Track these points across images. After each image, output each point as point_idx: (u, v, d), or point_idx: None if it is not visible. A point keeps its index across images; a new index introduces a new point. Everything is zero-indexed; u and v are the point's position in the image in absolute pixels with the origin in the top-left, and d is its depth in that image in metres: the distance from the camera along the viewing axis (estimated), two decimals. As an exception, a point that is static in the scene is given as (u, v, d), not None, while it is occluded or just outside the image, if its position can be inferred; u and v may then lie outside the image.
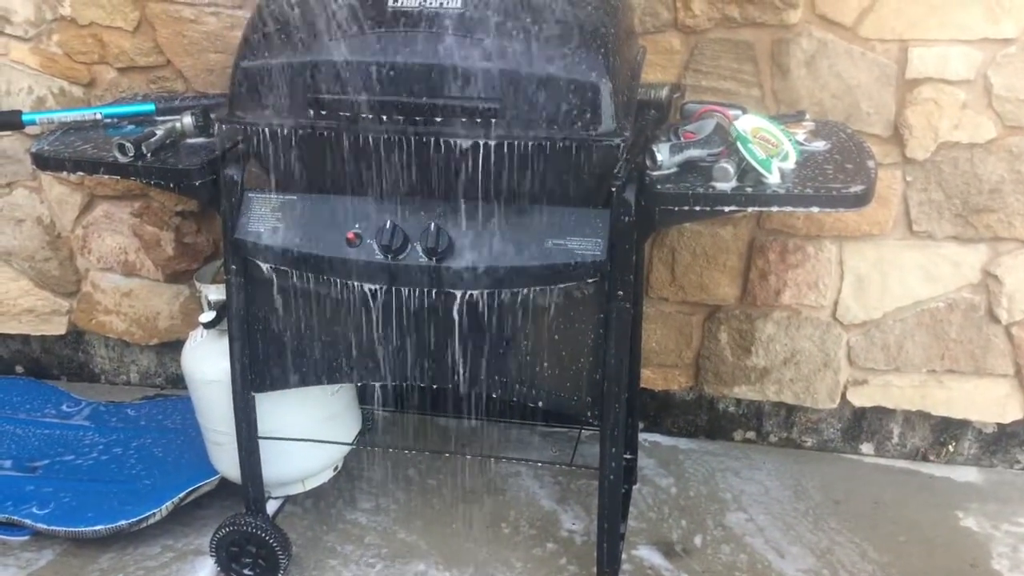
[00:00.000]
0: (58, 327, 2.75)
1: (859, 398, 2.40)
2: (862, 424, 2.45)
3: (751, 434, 2.52)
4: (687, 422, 2.54)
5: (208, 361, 2.02)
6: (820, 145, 1.82)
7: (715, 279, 2.34)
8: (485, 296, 1.75)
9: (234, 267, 1.86)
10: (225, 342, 1.94)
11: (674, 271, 2.35)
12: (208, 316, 2.00)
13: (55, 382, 2.78)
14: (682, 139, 1.78)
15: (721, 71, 2.15)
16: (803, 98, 2.14)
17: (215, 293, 2.02)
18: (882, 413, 2.43)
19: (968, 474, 2.41)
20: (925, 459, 2.45)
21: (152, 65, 2.39)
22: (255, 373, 1.92)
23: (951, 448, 2.43)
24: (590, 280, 1.73)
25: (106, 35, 2.38)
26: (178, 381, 2.77)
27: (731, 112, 1.88)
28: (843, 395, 2.41)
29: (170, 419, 2.51)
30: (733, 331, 2.39)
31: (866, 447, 2.48)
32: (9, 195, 2.61)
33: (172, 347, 2.73)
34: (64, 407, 2.58)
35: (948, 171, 2.16)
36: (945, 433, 2.42)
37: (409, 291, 1.77)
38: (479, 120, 1.66)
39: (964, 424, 2.40)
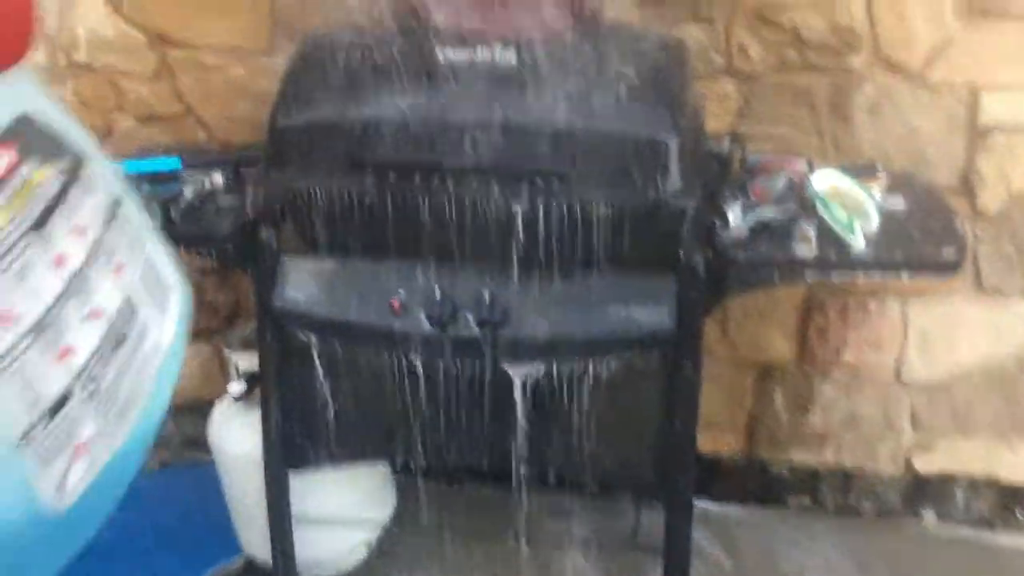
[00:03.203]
0: (69, 387, 2.61)
1: (923, 462, 2.26)
2: (925, 489, 2.31)
3: (806, 500, 2.38)
4: (738, 487, 2.39)
5: (238, 435, 1.89)
6: (898, 202, 1.69)
7: (770, 336, 2.21)
8: (541, 369, 1.62)
9: (268, 336, 1.72)
10: (256, 414, 1.80)
11: (726, 327, 2.22)
12: (238, 386, 1.87)
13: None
14: (752, 198, 1.66)
15: (778, 118, 2.02)
16: (865, 146, 2.01)
17: (245, 361, 1.89)
18: (946, 478, 2.29)
19: (1038, 543, 2.27)
20: (991, 527, 2.31)
21: (172, 114, 2.26)
22: (289, 450, 1.78)
23: (1020, 516, 2.29)
24: (655, 351, 1.60)
25: (124, 81, 2.25)
26: (195, 444, 2.62)
27: (797, 164, 1.76)
28: (906, 460, 2.27)
29: (187, 490, 2.36)
30: (789, 391, 2.25)
31: (928, 513, 2.33)
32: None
33: (190, 409, 2.57)
34: (76, 474, 2.44)
35: (1021, 224, 2.03)
36: (1013, 500, 2.28)
37: (459, 364, 1.64)
38: (536, 181, 1.53)
39: (1034, 490, 2.26)
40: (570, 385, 1.62)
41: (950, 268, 1.51)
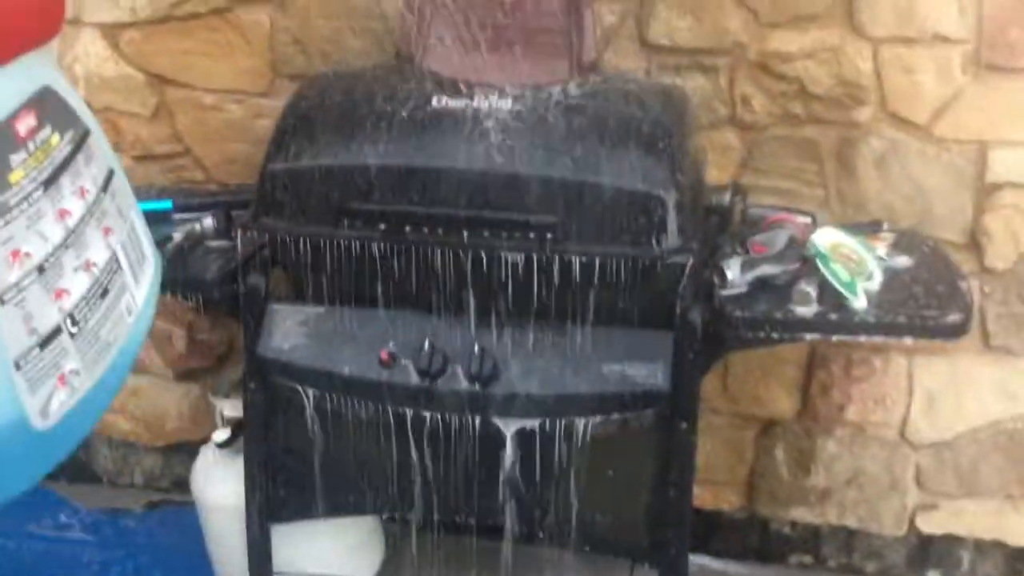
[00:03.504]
0: (59, 425, 2.57)
1: (928, 524, 2.20)
2: (929, 551, 2.24)
3: (807, 558, 2.31)
4: (737, 543, 2.33)
5: (222, 484, 1.84)
6: (903, 261, 1.65)
7: (772, 391, 2.15)
8: (532, 426, 1.57)
9: (253, 384, 1.68)
10: (241, 463, 1.76)
11: (726, 381, 2.17)
12: (222, 434, 1.82)
13: (54, 483, 2.59)
14: (752, 253, 1.61)
15: (782, 170, 1.99)
16: (871, 200, 1.97)
17: (231, 409, 1.85)
18: (952, 540, 2.22)
19: (1046, 609, 2.20)
20: (998, 590, 2.24)
21: (170, 153, 2.24)
22: (272, 502, 1.73)
23: (1028, 580, 2.22)
24: (650, 410, 1.55)
25: (122, 121, 2.23)
26: (184, 484, 2.57)
27: (799, 219, 1.72)
28: (911, 520, 2.21)
29: (174, 533, 2.32)
30: (791, 448, 2.19)
31: (932, 574, 2.27)
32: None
33: (179, 449, 2.54)
34: (62, 517, 2.40)
35: (1030, 282, 1.98)
36: (1021, 563, 2.21)
37: (448, 418, 1.59)
38: (529, 233, 1.50)
39: (1042, 554, 2.19)
40: (562, 442, 1.57)
41: (955, 333, 1.47)
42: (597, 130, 1.52)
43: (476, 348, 1.55)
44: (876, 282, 1.54)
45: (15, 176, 0.50)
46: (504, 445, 1.58)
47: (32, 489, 2.43)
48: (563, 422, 1.55)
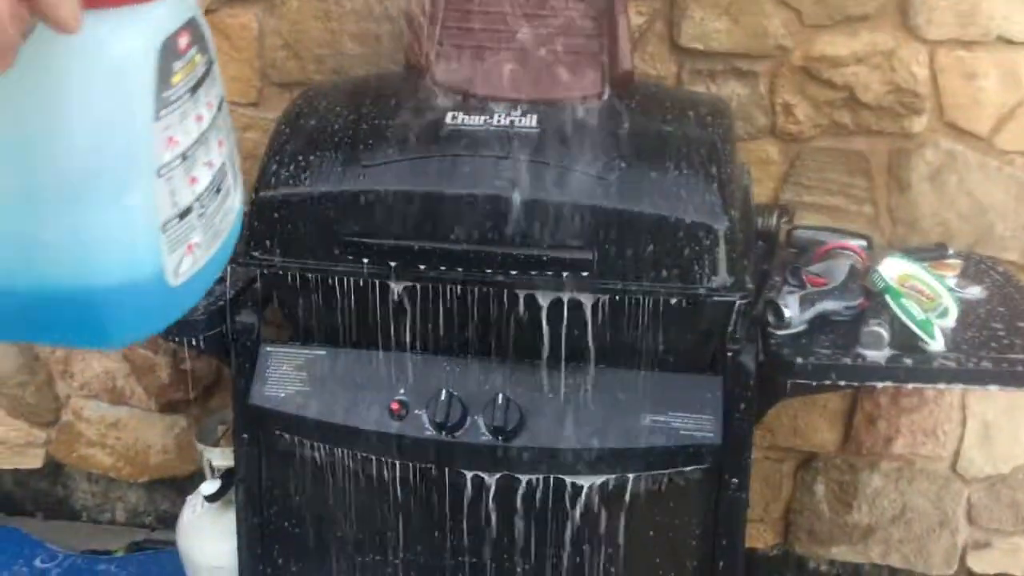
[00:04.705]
0: (33, 460, 2.37)
1: (980, 563, 2.03)
2: (979, 588, 2.08)
3: (846, 597, 2.15)
4: (771, 582, 2.17)
5: (211, 543, 1.66)
6: (975, 292, 1.47)
7: (812, 422, 1.98)
8: (562, 485, 1.39)
9: (246, 436, 1.50)
10: (231, 517, 1.57)
11: (761, 411, 1.99)
12: (211, 486, 1.64)
13: (30, 522, 2.40)
14: (808, 286, 1.43)
15: (827, 185, 1.80)
16: (925, 218, 1.79)
17: (220, 458, 1.66)
18: (1005, 579, 2.06)
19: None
20: (1053, 632, 2.08)
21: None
22: (269, 563, 1.55)
23: (1087, 622, 2.06)
24: (697, 466, 1.37)
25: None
26: (169, 521, 2.38)
27: (853, 243, 1.54)
28: (961, 558, 2.04)
29: (161, 578, 2.13)
30: (832, 482, 2.02)
31: (982, 614, 2.10)
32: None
33: (164, 484, 2.36)
34: (38, 562, 2.20)
35: (1097, 305, 1.81)
36: (1080, 604, 2.05)
37: (467, 476, 1.41)
38: (559, 269, 1.31)
39: (1102, 594, 2.03)
40: (597, 503, 1.39)
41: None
42: (635, 151, 1.33)
43: (499, 398, 1.37)
44: (951, 319, 1.36)
45: (176, 78, 0.63)
46: (529, 506, 1.40)
47: (4, 532, 2.23)
48: (598, 481, 1.37)
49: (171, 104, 0.64)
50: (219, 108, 0.73)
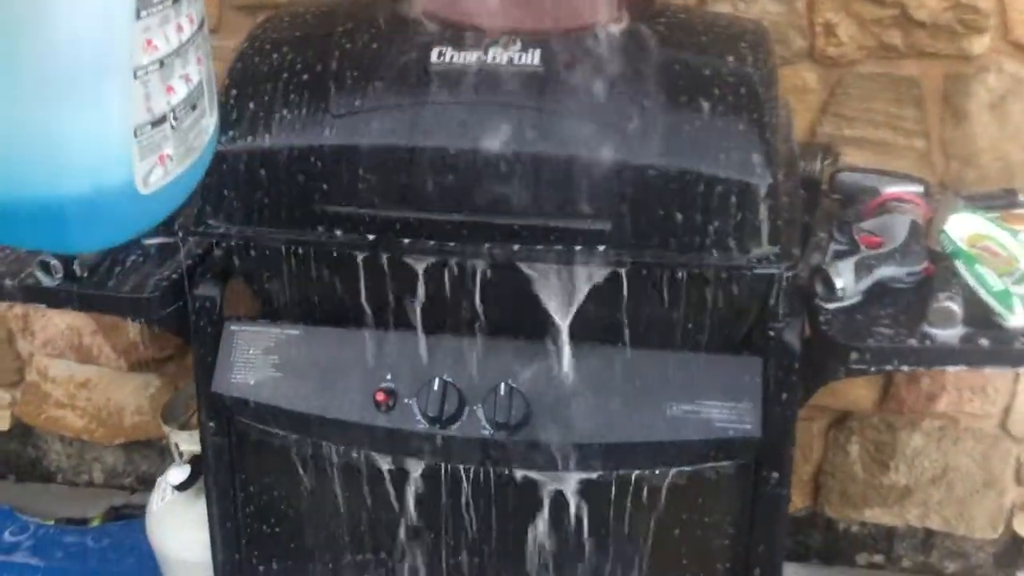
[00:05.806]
0: (0, 422, 2.21)
1: (1027, 525, 1.87)
2: (1022, 549, 1.93)
3: (879, 557, 1.99)
4: (797, 543, 2.01)
5: (181, 533, 1.49)
6: (1055, 248, 1.26)
7: (848, 379, 1.79)
8: (574, 484, 1.20)
9: (212, 424, 1.31)
10: (202, 506, 1.40)
11: (789, 366, 1.80)
12: (179, 474, 1.46)
13: (2, 485, 2.25)
14: (861, 246, 1.22)
15: (873, 117, 1.58)
16: (984, 152, 1.57)
17: (188, 442, 1.48)
18: (1054, 541, 1.90)
19: None
20: (1101, 593, 1.93)
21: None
22: (246, 566, 1.38)
23: None
24: (732, 460, 1.18)
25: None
26: (150, 482, 2.22)
27: (910, 192, 1.32)
28: (1007, 521, 1.87)
29: (135, 550, 1.96)
30: (868, 442, 1.84)
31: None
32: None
33: (143, 444, 2.19)
34: (7, 535, 2.05)
35: None
36: None
37: (464, 474, 1.22)
38: (570, 235, 1.10)
39: None
40: (615, 501, 1.21)
41: None
42: (657, 92, 1.10)
43: (501, 386, 1.17)
44: (1031, 287, 1.16)
45: None
46: (537, 508, 1.21)
47: None
48: (615, 478, 1.19)
49: (153, 6, 0.67)
50: (200, 27, 0.75)
